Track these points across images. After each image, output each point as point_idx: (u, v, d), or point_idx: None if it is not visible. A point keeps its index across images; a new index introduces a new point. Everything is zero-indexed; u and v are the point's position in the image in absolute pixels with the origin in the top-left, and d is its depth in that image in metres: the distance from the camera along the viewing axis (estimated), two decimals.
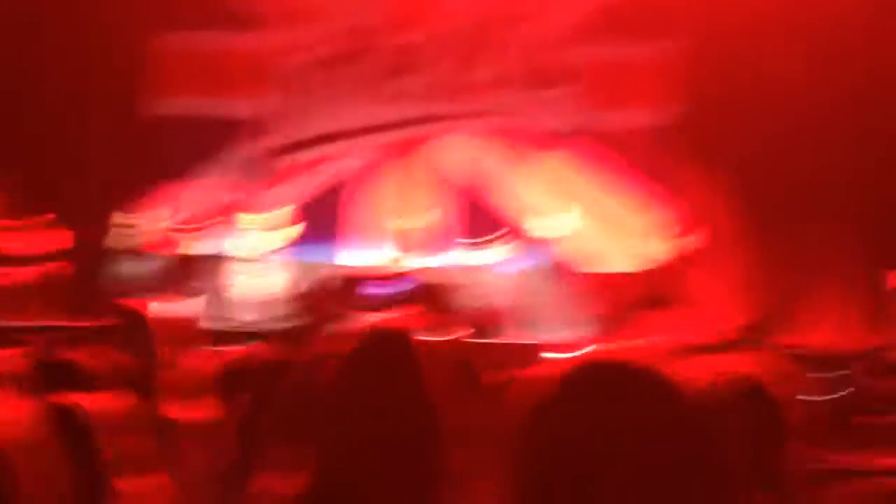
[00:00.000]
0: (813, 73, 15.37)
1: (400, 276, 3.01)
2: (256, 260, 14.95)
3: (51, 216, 15.11)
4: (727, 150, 15.49)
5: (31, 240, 15.04)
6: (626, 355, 1.70)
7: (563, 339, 14.26)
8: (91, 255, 15.30)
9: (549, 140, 16.53)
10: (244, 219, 15.10)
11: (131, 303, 4.03)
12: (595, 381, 1.66)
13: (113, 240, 15.20)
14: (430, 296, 2.79)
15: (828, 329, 15.29)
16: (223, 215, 16.04)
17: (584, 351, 1.78)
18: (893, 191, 15.13)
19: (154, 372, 3.88)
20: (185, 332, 5.26)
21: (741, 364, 2.40)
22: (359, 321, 2.36)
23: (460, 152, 16.65)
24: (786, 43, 15.34)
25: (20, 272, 14.98)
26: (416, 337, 2.49)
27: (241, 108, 16.85)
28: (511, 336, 14.79)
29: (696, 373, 1.71)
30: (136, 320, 3.98)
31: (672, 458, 1.59)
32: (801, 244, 15.32)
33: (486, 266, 15.23)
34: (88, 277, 15.12)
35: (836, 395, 8.47)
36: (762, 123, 15.45)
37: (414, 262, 15.37)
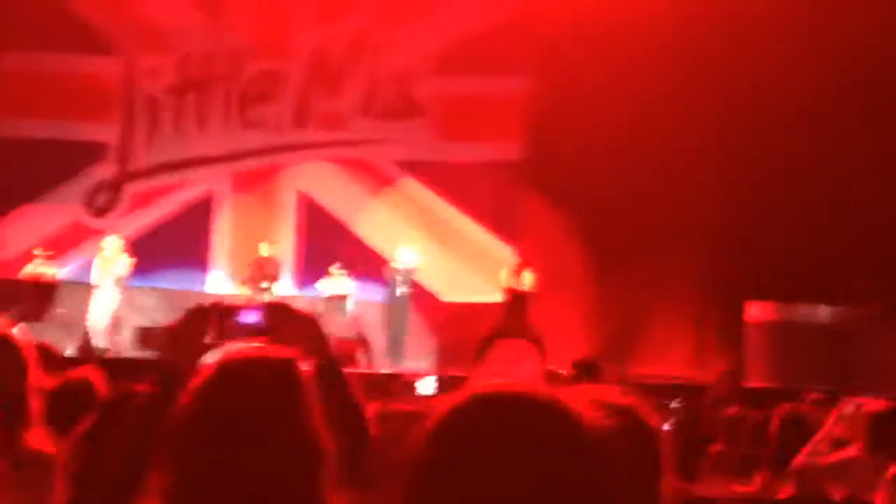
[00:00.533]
0: (660, 110, 15.71)
1: (260, 305, 2.97)
2: (111, 285, 14.56)
3: None
4: (570, 186, 15.75)
5: None
6: (515, 387, 1.69)
7: (422, 368, 14.32)
8: None
9: (401, 171, 16.59)
10: (105, 244, 14.67)
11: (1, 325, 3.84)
12: (490, 413, 1.65)
13: None
14: (294, 324, 2.77)
15: (675, 359, 15.64)
16: (74, 239, 15.65)
17: (468, 385, 1.75)
18: (745, 225, 15.53)
19: (24, 398, 3.72)
20: (53, 358, 5.08)
21: (608, 394, 2.40)
22: (227, 350, 2.31)
23: (315, 181, 16.57)
24: (635, 82, 15.64)
25: None
26: (296, 366, 2.42)
27: (92, 132, 16.48)
28: (372, 366, 14.79)
29: (576, 402, 1.71)
30: (9, 344, 3.80)
31: (570, 490, 1.59)
32: (644, 278, 15.63)
33: (344, 295, 15.16)
34: None
35: (684, 424, 8.62)
36: (612, 161, 15.72)
37: (271, 289, 15.26)
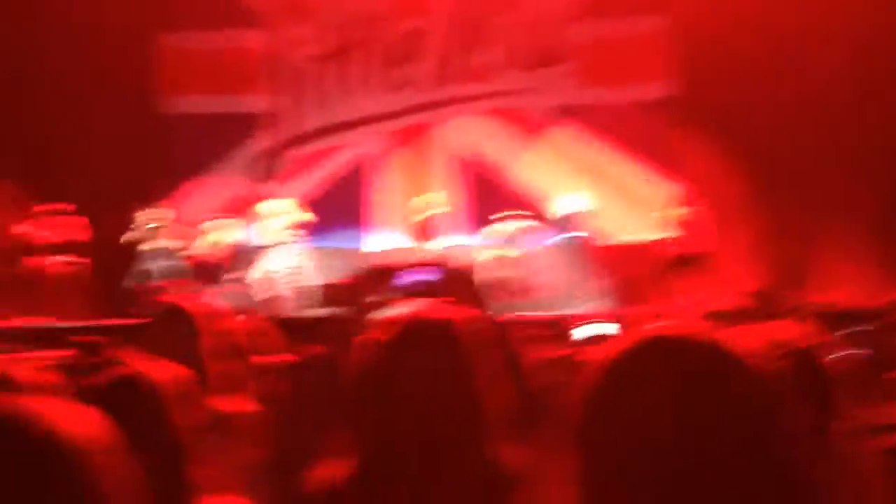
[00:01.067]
0: (813, 38, 15.31)
1: (429, 263, 2.98)
2: (283, 249, 14.93)
3: (70, 207, 15.06)
4: (726, 118, 15.46)
5: (54, 229, 15.03)
6: (684, 329, 1.69)
7: (593, 310, 14.28)
8: (111, 252, 15.30)
9: (553, 118, 16.54)
10: (263, 209, 15.08)
11: (173, 298, 4.01)
12: (659, 357, 1.65)
13: (135, 236, 15.17)
14: (459, 280, 2.78)
15: (848, 286, 15.29)
16: (242, 209, 16.05)
17: (636, 328, 1.75)
18: None
19: (203, 367, 3.89)
20: (226, 326, 5.26)
21: (780, 330, 2.39)
22: (396, 309, 2.37)
23: (469, 135, 16.66)
24: (786, 9, 15.28)
25: (47, 263, 15.00)
26: (457, 323, 2.48)
27: (249, 103, 16.87)
28: (541, 312, 14.85)
29: (747, 342, 1.70)
30: (180, 315, 3.97)
31: (744, 432, 1.60)
32: (815, 202, 15.30)
33: (508, 245, 15.19)
34: (112, 274, 15.13)
35: (862, 352, 8.42)
36: (762, 91, 15.40)
37: (434, 246, 15.42)
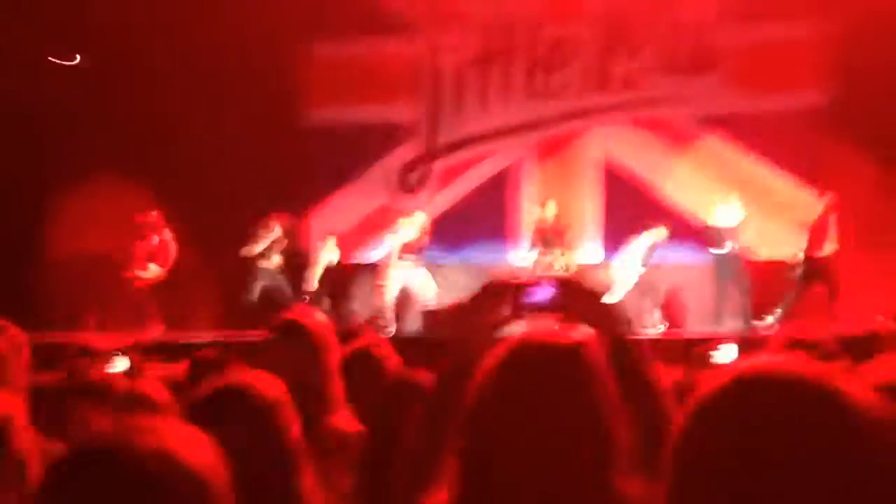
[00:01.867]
0: None
1: (552, 281, 2.90)
2: (417, 264, 14.97)
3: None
4: (881, 132, 14.93)
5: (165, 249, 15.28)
6: (783, 368, 1.56)
7: (740, 330, 13.97)
8: (243, 266, 15.52)
9: (705, 126, 16.20)
10: (403, 223, 15.14)
11: (293, 314, 3.94)
12: (754, 399, 1.53)
13: (265, 249, 15.30)
14: (585, 297, 2.69)
15: None
16: (383, 221, 16.11)
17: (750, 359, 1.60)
18: None
19: (325, 382, 3.82)
20: (353, 340, 5.21)
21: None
22: (523, 329, 2.27)
23: (615, 145, 16.42)
24: None
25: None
26: (588, 349, 2.33)
27: (395, 113, 16.91)
28: (689, 328, 14.56)
29: (860, 383, 1.53)
30: (300, 332, 3.90)
31: (843, 485, 1.44)
32: None
33: (657, 257, 14.96)
34: (240, 288, 15.34)
35: None
36: None
37: (576, 258, 15.26)
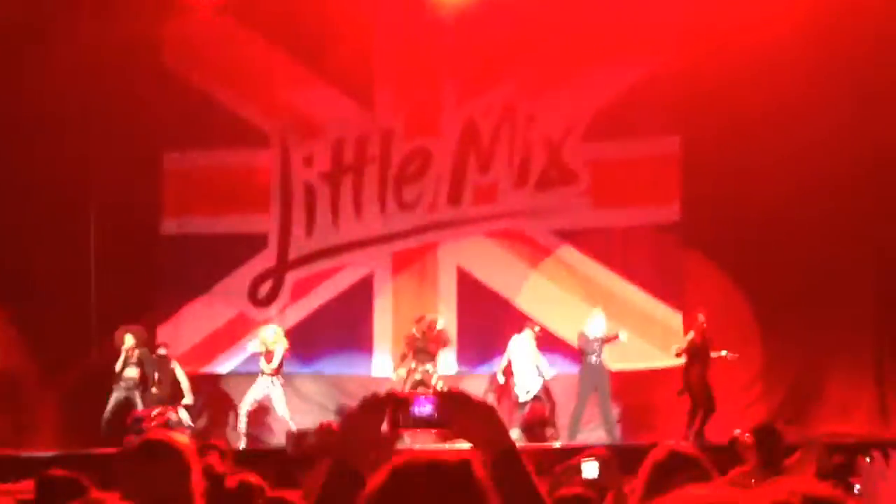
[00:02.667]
0: (811, 159, 15.31)
1: (435, 394, 2.82)
2: (265, 380, 14.79)
3: None
4: (732, 245, 15.43)
5: None
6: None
7: (602, 440, 14.10)
8: (87, 380, 15.16)
9: (560, 239, 16.44)
10: (260, 334, 14.98)
11: (160, 432, 3.81)
12: None
13: (124, 362, 14.94)
14: (468, 415, 2.63)
15: (857, 416, 15.05)
16: (234, 333, 15.89)
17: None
18: None
19: (192, 501, 3.68)
20: (225, 455, 5.06)
21: (806, 486, 2.24)
22: (402, 448, 2.19)
23: (475, 256, 16.53)
24: (783, 133, 15.31)
25: None
26: (473, 466, 2.27)
27: (247, 224, 16.75)
28: (554, 440, 14.63)
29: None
30: (169, 451, 3.76)
31: None
32: (817, 333, 15.15)
33: (516, 365, 15.02)
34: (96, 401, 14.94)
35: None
36: (768, 216, 15.36)
37: (442, 370, 15.24)
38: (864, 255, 15.36)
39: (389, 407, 2.70)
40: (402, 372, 15.09)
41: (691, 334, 14.55)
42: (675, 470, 4.11)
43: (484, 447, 2.66)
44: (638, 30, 16.07)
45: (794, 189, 15.29)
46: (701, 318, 14.49)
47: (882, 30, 14.93)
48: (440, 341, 15.30)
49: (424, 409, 2.69)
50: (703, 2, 15.58)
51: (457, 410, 2.70)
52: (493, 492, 2.26)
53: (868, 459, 7.83)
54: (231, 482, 3.99)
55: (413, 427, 2.69)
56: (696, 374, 14.38)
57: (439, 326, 15.29)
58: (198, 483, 3.75)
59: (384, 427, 2.68)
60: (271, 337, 14.92)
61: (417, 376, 14.95)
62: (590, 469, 5.88)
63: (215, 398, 16.04)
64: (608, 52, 16.23)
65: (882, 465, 5.18)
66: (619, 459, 7.09)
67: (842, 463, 8.58)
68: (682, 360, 15.09)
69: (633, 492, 4.24)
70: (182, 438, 3.89)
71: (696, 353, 14.41)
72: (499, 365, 15.28)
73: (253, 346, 15.10)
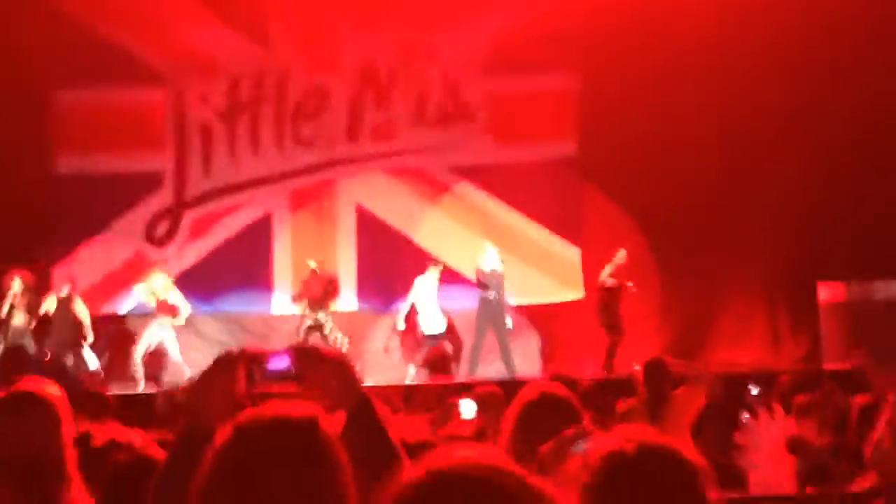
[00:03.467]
0: (716, 94, 15.52)
1: (288, 350, 2.82)
2: (171, 322, 14.65)
3: None
4: (629, 180, 15.58)
5: None
6: (477, 465, 1.64)
7: (507, 374, 14.28)
8: None
9: (459, 176, 16.47)
10: (153, 277, 14.81)
11: (29, 383, 3.74)
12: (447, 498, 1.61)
13: (10, 308, 14.64)
14: (322, 369, 2.63)
15: (750, 346, 15.40)
16: (132, 273, 15.71)
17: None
18: (811, 204, 15.26)
19: (60, 457, 3.65)
20: (95, 404, 5.02)
21: (646, 434, 2.31)
22: (259, 403, 2.20)
23: (374, 193, 16.50)
24: (686, 69, 15.47)
25: None
26: (321, 421, 2.28)
27: (148, 162, 16.53)
28: (458, 374, 14.75)
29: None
30: (38, 403, 3.72)
31: None
32: (712, 267, 15.41)
33: (420, 305, 15.08)
34: None
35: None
36: (664, 152, 15.54)
37: (344, 307, 15.26)
38: (757, 191, 15.60)
39: (244, 364, 2.70)
40: (303, 311, 15.12)
41: (610, 268, 14.70)
42: (545, 411, 4.20)
43: (338, 401, 2.68)
44: None
45: (690, 126, 15.49)
46: (622, 253, 14.66)
47: None
48: (332, 288, 15.30)
49: (278, 363, 2.70)
50: None
51: (311, 365, 2.71)
52: (340, 447, 2.27)
53: (753, 389, 8.05)
54: (99, 439, 3.96)
55: (268, 382, 2.69)
56: (616, 307, 14.61)
57: (326, 272, 15.30)
58: (69, 436, 3.72)
59: (238, 384, 2.68)
60: (160, 286, 14.75)
61: (309, 322, 15.00)
62: (467, 408, 5.96)
63: (115, 339, 15.84)
64: None
65: (766, 419, 5.34)
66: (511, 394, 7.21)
67: (732, 393, 8.84)
68: (580, 295, 15.35)
69: (502, 432, 4.31)
70: (52, 389, 3.84)
71: (617, 287, 14.61)
72: (402, 308, 15.30)
73: (141, 294, 14.90)
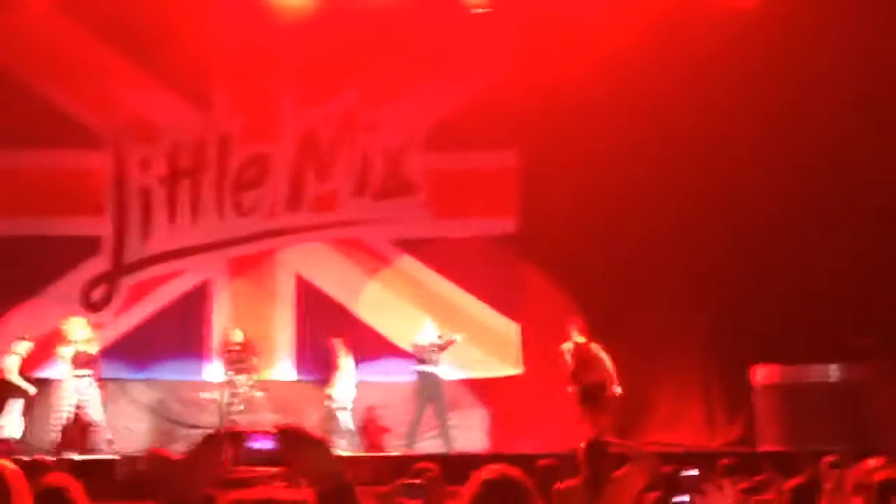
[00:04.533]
0: (649, 173, 15.73)
1: (272, 430, 2.80)
2: (92, 378, 14.37)
3: None
4: (566, 258, 15.71)
5: None
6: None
7: (444, 448, 14.26)
8: None
9: (399, 249, 16.50)
10: (72, 334, 14.50)
11: None
12: None
13: None
14: (303, 450, 2.61)
15: (684, 427, 15.48)
16: (63, 337, 15.47)
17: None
18: (744, 288, 15.46)
19: None
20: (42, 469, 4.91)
21: None
22: (245, 484, 2.19)
23: (313, 263, 16.47)
24: (621, 145, 15.69)
25: None
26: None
27: (85, 227, 16.36)
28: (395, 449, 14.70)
29: None
30: None
31: None
32: (647, 347, 15.50)
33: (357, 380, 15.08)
34: None
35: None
36: (600, 230, 15.69)
37: (280, 376, 15.18)
38: (695, 271, 15.77)
39: (227, 442, 2.71)
40: (227, 377, 15.06)
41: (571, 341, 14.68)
42: (503, 492, 4.19)
43: (319, 482, 2.72)
44: (476, 43, 16.31)
45: (628, 201, 15.68)
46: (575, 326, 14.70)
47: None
48: (249, 352, 15.27)
49: (261, 443, 2.72)
50: (538, 17, 15.87)
51: (293, 446, 2.73)
52: None
53: (689, 473, 8.09)
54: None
55: (252, 463, 2.71)
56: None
57: (240, 338, 15.26)
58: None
59: (223, 462, 2.70)
60: (84, 337, 14.46)
61: (237, 389, 14.94)
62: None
63: (46, 405, 15.52)
64: (447, 65, 16.42)
65: (716, 497, 5.37)
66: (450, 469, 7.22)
67: (669, 473, 8.87)
68: (519, 370, 15.42)
69: None
70: (9, 465, 3.76)
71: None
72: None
73: (64, 350, 14.53)
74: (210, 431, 2.75)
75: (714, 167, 15.68)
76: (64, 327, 14.57)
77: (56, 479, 4.55)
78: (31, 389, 14.41)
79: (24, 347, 14.69)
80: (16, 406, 14.51)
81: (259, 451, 2.72)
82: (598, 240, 15.69)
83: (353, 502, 2.73)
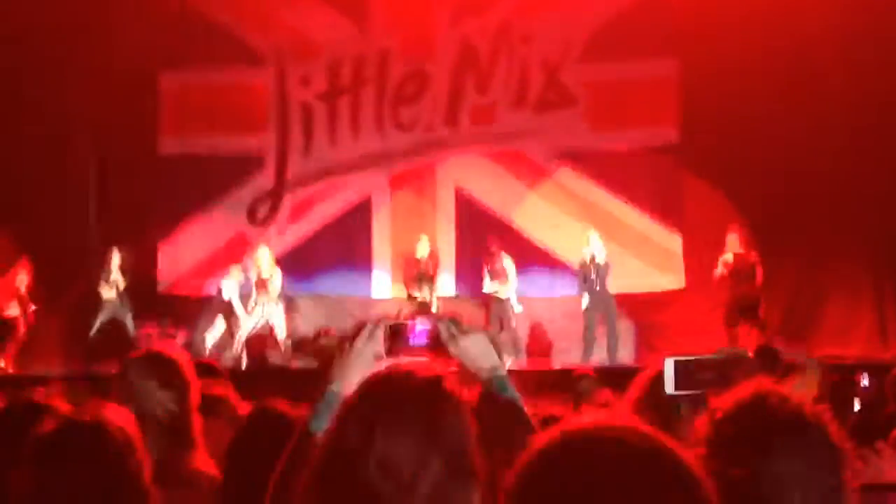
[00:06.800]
0: (810, 83, 15.22)
1: (429, 320, 2.80)
2: (274, 300, 14.79)
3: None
4: (730, 167, 15.34)
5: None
6: (608, 427, 1.65)
7: (608, 361, 14.18)
8: (88, 300, 15.26)
9: (558, 161, 16.36)
10: (256, 256, 14.96)
11: (159, 345, 3.78)
12: (581, 459, 1.62)
13: (114, 282, 15.01)
14: (461, 334, 2.61)
15: (856, 337, 15.08)
16: (233, 253, 15.87)
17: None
18: None
19: (185, 420, 3.66)
20: (210, 374, 5.04)
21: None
22: (391, 367, 2.21)
23: (473, 176, 16.46)
24: (786, 53, 15.22)
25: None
26: (448, 382, 2.27)
27: (245, 144, 16.68)
28: (558, 361, 14.71)
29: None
30: (167, 364, 3.73)
31: None
32: (816, 255, 15.14)
33: (516, 292, 15.06)
34: (85, 322, 15.07)
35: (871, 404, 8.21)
36: (765, 139, 15.26)
37: (431, 291, 15.24)
38: (865, 177, 15.25)
39: (384, 331, 2.72)
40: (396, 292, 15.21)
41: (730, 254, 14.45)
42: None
43: (476, 370, 2.76)
44: None
45: (793, 111, 15.22)
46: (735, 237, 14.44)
47: None
48: (436, 263, 15.37)
49: (420, 334, 2.73)
50: None
51: (451, 335, 2.77)
52: (467, 407, 2.25)
53: (864, 380, 7.84)
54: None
55: (409, 351, 2.72)
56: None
57: (427, 249, 15.34)
58: (195, 401, 3.73)
59: (379, 350, 2.71)
60: (266, 264, 14.88)
61: (418, 298, 15.04)
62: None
63: (209, 319, 15.98)
64: None
65: None
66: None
67: (839, 381, 8.64)
68: (681, 284, 15.19)
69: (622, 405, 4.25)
70: (181, 353, 3.86)
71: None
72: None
73: (249, 271, 15.06)
74: (364, 320, 2.75)
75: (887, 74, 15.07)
76: (255, 255, 15.10)
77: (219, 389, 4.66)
78: (243, 315, 14.84)
79: (239, 274, 15.19)
80: (221, 325, 15.03)
81: (417, 340, 2.73)
82: (760, 149, 15.25)
83: (510, 389, 2.72)
